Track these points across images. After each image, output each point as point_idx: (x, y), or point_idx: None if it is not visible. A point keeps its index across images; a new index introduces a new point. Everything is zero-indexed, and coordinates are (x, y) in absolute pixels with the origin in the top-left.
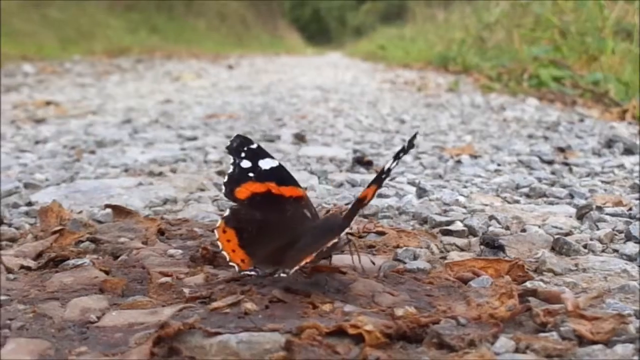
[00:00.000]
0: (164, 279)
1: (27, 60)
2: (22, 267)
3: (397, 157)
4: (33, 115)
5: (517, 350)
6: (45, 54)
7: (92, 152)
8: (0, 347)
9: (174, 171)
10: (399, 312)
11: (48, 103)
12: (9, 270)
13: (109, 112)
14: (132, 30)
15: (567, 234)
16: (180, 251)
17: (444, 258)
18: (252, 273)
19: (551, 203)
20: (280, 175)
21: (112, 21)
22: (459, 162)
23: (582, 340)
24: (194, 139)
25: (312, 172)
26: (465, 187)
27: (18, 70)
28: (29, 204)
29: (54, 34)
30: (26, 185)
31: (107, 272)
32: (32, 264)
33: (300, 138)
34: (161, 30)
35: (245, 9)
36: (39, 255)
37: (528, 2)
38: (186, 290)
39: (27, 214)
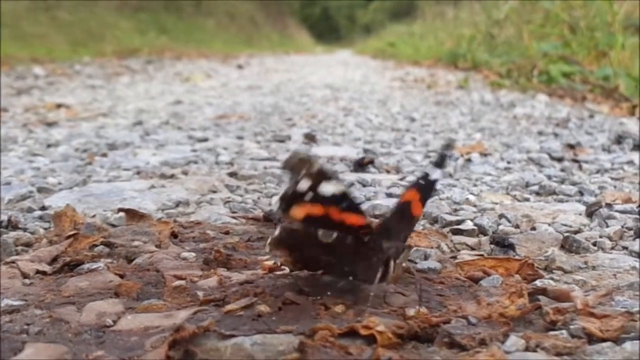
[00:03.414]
0: (178, 282)
1: (37, 63)
2: (37, 271)
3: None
4: (44, 118)
5: (527, 349)
6: (55, 56)
7: (104, 155)
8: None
9: (185, 173)
10: (410, 312)
11: (59, 106)
12: (25, 275)
13: (120, 114)
14: (141, 31)
15: (576, 232)
16: (193, 254)
17: (455, 257)
18: None
19: (561, 201)
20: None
21: (121, 22)
22: (469, 160)
23: (591, 338)
24: (205, 140)
25: None
26: (475, 185)
27: (28, 72)
28: (43, 208)
29: (64, 36)
30: (39, 190)
31: (121, 276)
32: (47, 268)
33: (310, 138)
34: (170, 30)
35: (254, 9)
36: (54, 260)
37: None
38: (200, 293)
39: (41, 218)
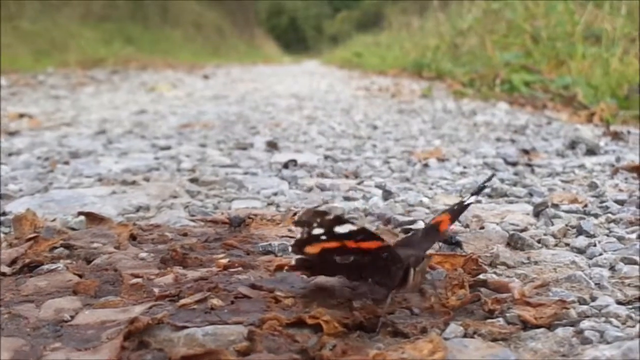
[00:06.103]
0: (135, 280)
1: None
2: None
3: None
4: (6, 128)
5: (465, 335)
6: (18, 66)
7: (66, 163)
8: None
9: (147, 180)
10: (357, 304)
11: (21, 115)
12: None
13: (83, 123)
14: (106, 41)
15: (522, 230)
16: (151, 254)
17: None
18: None
19: (511, 202)
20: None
21: (86, 32)
22: (426, 165)
23: (526, 325)
24: (168, 148)
25: (282, 178)
26: (430, 189)
27: None
28: (3, 213)
29: (27, 46)
30: (0, 196)
31: (80, 276)
32: (6, 270)
33: (272, 145)
34: (136, 40)
35: (221, 19)
36: (13, 262)
37: (500, 7)
38: (156, 290)
39: (1, 223)
